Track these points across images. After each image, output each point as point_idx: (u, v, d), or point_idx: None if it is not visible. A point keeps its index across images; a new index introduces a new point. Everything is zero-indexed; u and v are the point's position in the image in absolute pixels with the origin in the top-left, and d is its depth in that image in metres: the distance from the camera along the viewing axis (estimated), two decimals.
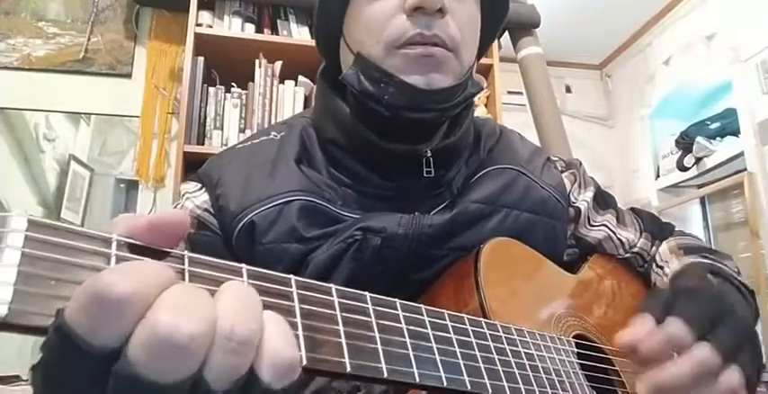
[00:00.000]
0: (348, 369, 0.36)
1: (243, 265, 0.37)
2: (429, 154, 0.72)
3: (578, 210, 0.85)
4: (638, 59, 3.95)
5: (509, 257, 0.70)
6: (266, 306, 0.33)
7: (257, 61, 2.35)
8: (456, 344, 0.47)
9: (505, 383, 0.49)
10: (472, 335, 0.50)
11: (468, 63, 0.73)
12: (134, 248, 0.33)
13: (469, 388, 0.45)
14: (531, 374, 0.53)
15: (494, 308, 0.59)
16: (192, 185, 0.77)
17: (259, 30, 2.45)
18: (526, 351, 0.55)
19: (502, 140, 0.86)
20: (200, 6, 2.37)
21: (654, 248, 0.89)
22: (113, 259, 0.32)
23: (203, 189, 0.76)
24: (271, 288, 0.37)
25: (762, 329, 0.78)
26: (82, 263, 0.31)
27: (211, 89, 2.34)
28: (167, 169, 2.61)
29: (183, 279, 0.34)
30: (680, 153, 3.37)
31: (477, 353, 0.49)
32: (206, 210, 0.74)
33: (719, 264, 0.79)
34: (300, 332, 0.36)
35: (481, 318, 0.53)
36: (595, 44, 4.02)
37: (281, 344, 0.32)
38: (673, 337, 0.51)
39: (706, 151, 3.17)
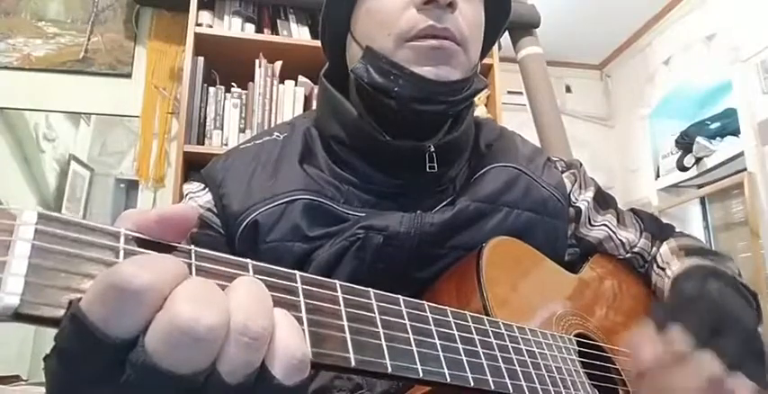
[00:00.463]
0: (353, 364, 0.37)
1: (248, 261, 0.37)
2: (432, 149, 0.72)
3: (579, 210, 0.86)
4: (638, 59, 3.95)
5: (511, 256, 0.70)
6: (273, 300, 0.34)
7: (257, 61, 2.35)
8: (459, 341, 0.47)
9: (508, 380, 0.49)
10: (475, 332, 0.50)
11: (473, 60, 0.74)
12: (141, 242, 0.34)
13: (472, 384, 0.45)
14: (533, 371, 0.53)
15: (496, 307, 0.60)
16: (195, 185, 0.78)
17: (259, 30, 2.44)
18: (528, 348, 0.55)
19: (502, 139, 0.87)
20: (200, 6, 2.37)
21: (654, 249, 0.89)
22: (122, 253, 0.32)
23: (206, 189, 0.76)
24: (276, 283, 0.37)
25: (765, 330, 0.78)
26: (91, 256, 0.31)
27: (211, 89, 2.34)
28: (167, 169, 2.61)
29: (191, 273, 0.34)
30: (680, 153, 3.37)
31: (480, 349, 0.49)
32: (209, 209, 0.74)
33: (721, 267, 0.79)
34: (306, 327, 0.36)
35: (484, 316, 0.53)
36: (595, 44, 4.02)
37: (292, 340, 0.32)
38: (672, 346, 0.51)
39: (706, 151, 3.18)
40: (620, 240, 0.87)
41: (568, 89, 4.19)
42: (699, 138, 3.18)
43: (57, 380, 0.30)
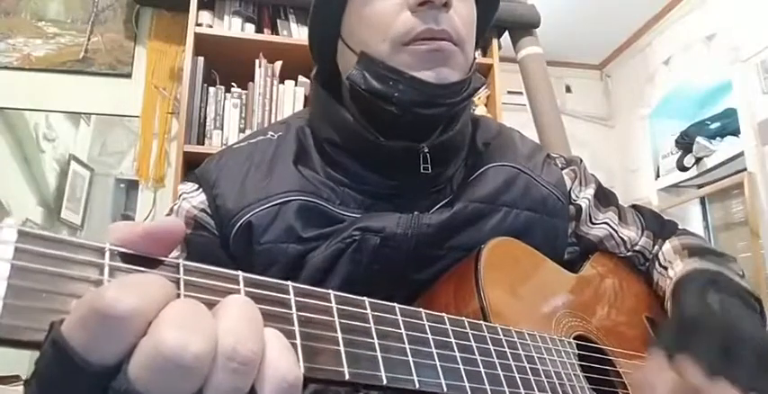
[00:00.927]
0: (347, 377, 0.36)
1: (239, 273, 0.36)
2: (426, 150, 0.72)
3: (579, 208, 0.85)
4: (638, 59, 3.95)
5: (510, 257, 0.70)
6: (264, 313, 0.33)
7: (257, 61, 2.35)
8: (456, 349, 0.47)
9: (506, 388, 0.49)
10: (472, 339, 0.49)
11: (471, 58, 0.74)
12: (127, 258, 0.33)
13: (470, 393, 0.45)
14: (531, 378, 0.52)
15: (494, 309, 0.59)
16: (189, 186, 0.77)
17: (259, 30, 2.44)
18: (527, 354, 0.54)
19: (500, 137, 0.86)
20: (200, 6, 2.37)
21: (656, 247, 0.88)
22: (107, 269, 0.31)
23: (200, 189, 0.75)
24: (268, 295, 0.36)
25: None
26: (74, 274, 0.30)
27: (211, 89, 2.33)
28: (167, 169, 2.60)
29: (179, 288, 0.33)
30: (680, 153, 3.37)
31: (478, 357, 0.48)
32: (203, 210, 0.73)
33: (724, 270, 0.78)
34: (298, 341, 0.35)
35: (481, 322, 0.53)
36: (595, 44, 4.01)
37: (282, 363, 0.31)
38: (685, 378, 0.51)
39: (706, 151, 3.17)
40: (622, 238, 0.86)
41: (568, 89, 4.18)
42: (699, 138, 3.17)
43: None
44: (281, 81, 2.37)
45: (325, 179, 0.74)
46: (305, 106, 2.36)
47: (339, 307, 0.40)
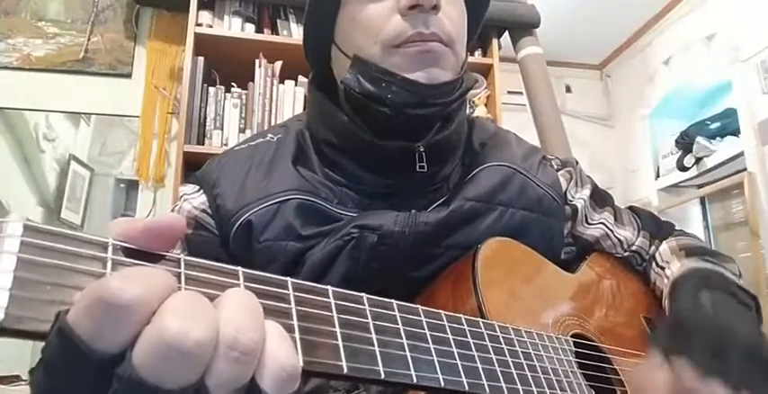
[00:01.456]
0: (345, 371, 0.37)
1: (239, 268, 0.37)
2: (422, 149, 0.72)
3: (575, 208, 0.86)
4: (638, 59, 3.95)
5: (507, 257, 0.70)
6: (263, 308, 0.33)
7: (257, 61, 2.36)
8: (453, 345, 0.47)
9: (503, 384, 0.49)
10: (469, 336, 0.50)
11: (462, 58, 0.75)
12: (130, 252, 0.33)
13: (467, 388, 0.45)
14: (528, 374, 0.53)
15: (491, 308, 0.60)
16: (189, 187, 0.78)
17: (259, 30, 2.45)
18: (524, 351, 0.55)
19: (496, 138, 0.87)
20: (200, 6, 2.38)
21: (653, 248, 0.89)
22: (109, 263, 0.32)
23: (201, 190, 0.77)
24: (267, 290, 0.37)
25: (765, 331, 0.78)
26: (78, 267, 0.31)
27: (211, 89, 2.34)
28: (167, 169, 2.61)
29: (180, 282, 0.34)
30: (680, 153, 3.37)
31: (475, 353, 0.49)
32: (203, 210, 0.74)
33: (720, 270, 0.79)
34: (297, 335, 0.36)
35: (479, 318, 0.53)
36: (595, 44, 4.01)
37: (282, 353, 0.32)
38: (680, 381, 0.51)
39: (706, 151, 3.17)
40: (618, 238, 0.87)
41: (568, 89, 4.18)
42: (699, 138, 3.17)
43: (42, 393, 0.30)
44: (281, 81, 2.38)
45: (324, 179, 0.75)
46: (305, 106, 2.36)
47: (337, 302, 0.40)
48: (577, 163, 0.93)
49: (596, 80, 4.34)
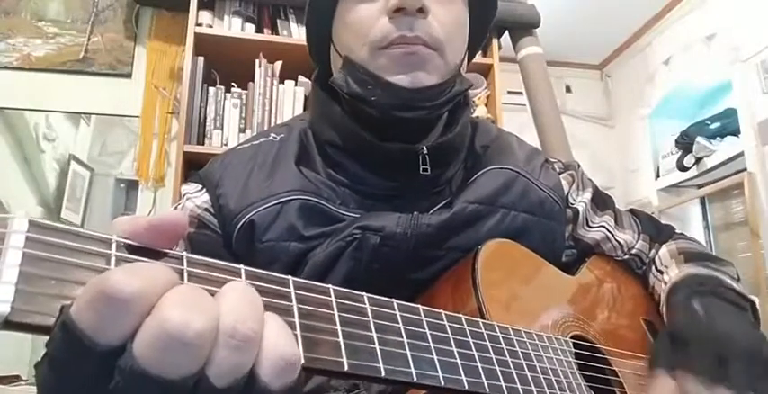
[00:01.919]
0: (346, 368, 0.37)
1: (241, 266, 0.37)
2: (425, 151, 0.72)
3: (576, 212, 0.86)
4: (638, 59, 3.95)
5: (507, 259, 0.70)
6: (264, 306, 0.34)
7: (257, 61, 2.36)
8: (453, 344, 0.47)
9: (503, 383, 0.49)
10: (469, 335, 0.50)
11: (454, 62, 0.74)
12: (133, 249, 0.34)
13: (467, 387, 0.45)
14: (528, 374, 0.53)
15: (491, 310, 0.60)
16: (192, 186, 0.78)
17: (259, 30, 2.45)
18: (523, 351, 0.55)
19: (499, 141, 0.87)
20: (200, 6, 2.38)
21: (653, 251, 0.89)
22: (113, 260, 0.32)
23: (204, 190, 0.76)
24: (269, 288, 0.37)
25: (764, 332, 0.78)
26: (82, 263, 0.31)
27: (211, 89, 2.34)
28: (167, 169, 2.61)
29: (183, 279, 0.34)
30: (680, 153, 3.37)
31: (475, 352, 0.49)
32: (206, 209, 0.74)
33: (718, 274, 0.79)
34: (298, 332, 0.36)
35: (479, 319, 0.53)
36: (595, 44, 4.02)
37: (281, 341, 0.32)
38: (686, 392, 0.52)
39: (706, 151, 3.18)
40: (618, 242, 0.87)
41: (568, 89, 4.18)
42: (699, 138, 3.18)
43: (47, 387, 0.30)
44: (281, 81, 2.38)
45: (326, 179, 0.75)
46: (305, 106, 2.37)
47: (338, 300, 0.40)
48: (579, 166, 0.93)
49: (596, 80, 4.34)
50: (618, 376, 0.70)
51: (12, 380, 2.07)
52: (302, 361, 0.34)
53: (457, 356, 0.46)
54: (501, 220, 0.75)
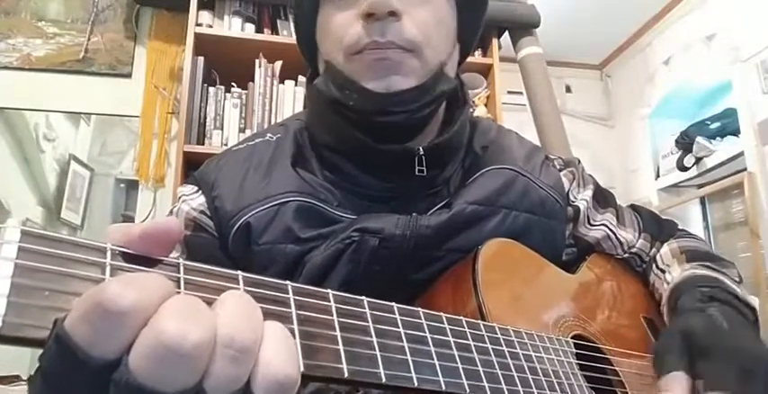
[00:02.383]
0: (346, 375, 0.36)
1: (239, 272, 0.36)
2: (421, 152, 0.71)
3: (577, 210, 0.85)
4: (638, 59, 3.95)
5: (507, 258, 0.70)
6: (263, 312, 0.33)
7: (257, 61, 2.36)
8: (454, 348, 0.47)
9: (504, 386, 0.49)
10: (470, 338, 0.50)
11: (434, 62, 0.71)
12: (128, 257, 0.33)
13: (468, 391, 0.45)
14: (529, 376, 0.53)
15: (492, 310, 0.59)
16: (188, 188, 0.78)
17: (259, 30, 2.45)
18: (524, 353, 0.55)
19: (498, 140, 0.86)
20: (200, 6, 2.38)
21: (653, 250, 0.88)
22: (108, 269, 0.32)
23: (200, 191, 0.76)
24: (267, 295, 0.37)
25: (763, 332, 0.78)
26: (77, 273, 0.31)
27: (211, 89, 2.34)
28: (167, 169, 2.61)
29: (179, 287, 0.33)
30: (680, 153, 3.36)
31: (476, 356, 0.48)
32: (202, 212, 0.74)
33: (720, 275, 0.78)
34: (297, 339, 0.36)
35: (479, 321, 0.53)
36: (595, 44, 4.01)
37: (277, 360, 0.31)
38: None
39: (706, 151, 3.17)
40: (619, 240, 0.86)
41: (568, 89, 4.18)
42: (699, 138, 3.17)
43: None
44: (281, 81, 2.38)
45: (323, 181, 0.74)
46: (305, 106, 2.36)
47: (338, 306, 0.40)
48: (580, 162, 0.92)
49: (596, 80, 4.33)
50: (619, 376, 0.70)
51: (12, 380, 2.07)
52: (301, 369, 0.34)
53: (458, 360, 0.46)
54: (502, 221, 0.74)
